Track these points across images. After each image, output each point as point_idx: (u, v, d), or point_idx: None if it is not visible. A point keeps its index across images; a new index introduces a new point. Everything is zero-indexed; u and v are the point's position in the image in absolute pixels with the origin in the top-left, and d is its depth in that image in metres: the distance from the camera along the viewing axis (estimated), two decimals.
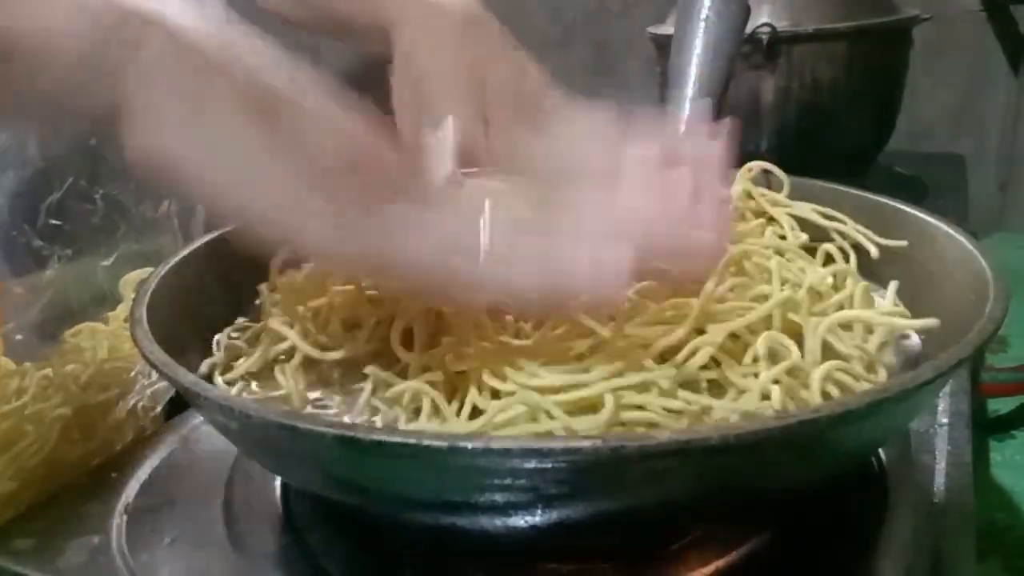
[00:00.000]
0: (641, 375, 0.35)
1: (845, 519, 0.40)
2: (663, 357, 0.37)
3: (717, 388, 0.37)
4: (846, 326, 0.41)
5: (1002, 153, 1.11)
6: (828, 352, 0.39)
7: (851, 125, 0.86)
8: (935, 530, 0.40)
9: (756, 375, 0.36)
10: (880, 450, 0.44)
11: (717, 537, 0.39)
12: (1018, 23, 0.90)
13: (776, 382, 0.36)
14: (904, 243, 0.48)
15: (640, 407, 0.35)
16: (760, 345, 0.37)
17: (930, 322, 0.39)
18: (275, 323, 0.43)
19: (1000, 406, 0.61)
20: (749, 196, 0.54)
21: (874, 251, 0.48)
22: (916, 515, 0.41)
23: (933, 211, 0.48)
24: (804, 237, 0.51)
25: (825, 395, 0.36)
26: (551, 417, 0.34)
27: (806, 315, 0.39)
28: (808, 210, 0.52)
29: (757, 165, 0.55)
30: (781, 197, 0.53)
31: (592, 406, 0.35)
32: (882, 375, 0.39)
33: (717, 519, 0.39)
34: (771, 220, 0.52)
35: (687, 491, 0.32)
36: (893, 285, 0.44)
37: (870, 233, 0.49)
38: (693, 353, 0.36)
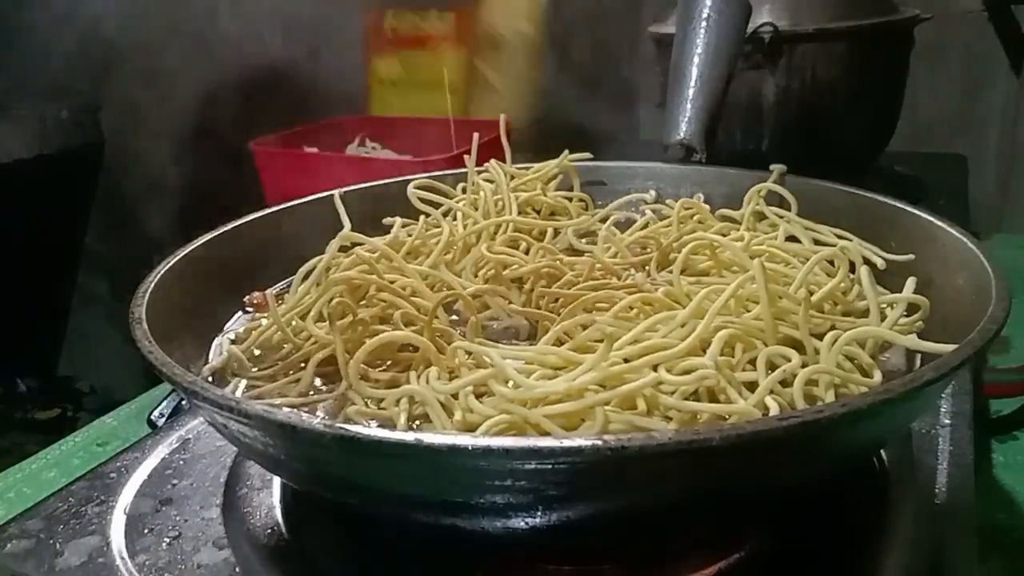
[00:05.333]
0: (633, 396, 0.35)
1: (846, 519, 0.40)
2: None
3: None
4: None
5: (1002, 153, 1.10)
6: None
7: (851, 125, 0.86)
8: (936, 530, 0.40)
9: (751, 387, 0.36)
10: (882, 450, 0.44)
11: (718, 537, 0.39)
12: (1018, 23, 0.90)
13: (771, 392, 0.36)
14: (911, 256, 0.48)
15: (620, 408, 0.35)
16: (760, 359, 0.37)
17: (946, 347, 0.36)
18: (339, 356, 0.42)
19: (1002, 407, 0.61)
20: (762, 216, 0.54)
21: (880, 263, 0.49)
22: (917, 515, 0.41)
23: (933, 211, 0.48)
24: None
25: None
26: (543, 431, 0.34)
27: (804, 320, 0.39)
28: (817, 227, 0.53)
29: (767, 185, 0.55)
30: (792, 215, 0.54)
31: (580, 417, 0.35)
32: (877, 377, 0.39)
33: (718, 519, 0.38)
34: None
35: (688, 492, 0.31)
36: (911, 281, 0.44)
37: (877, 249, 0.49)
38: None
